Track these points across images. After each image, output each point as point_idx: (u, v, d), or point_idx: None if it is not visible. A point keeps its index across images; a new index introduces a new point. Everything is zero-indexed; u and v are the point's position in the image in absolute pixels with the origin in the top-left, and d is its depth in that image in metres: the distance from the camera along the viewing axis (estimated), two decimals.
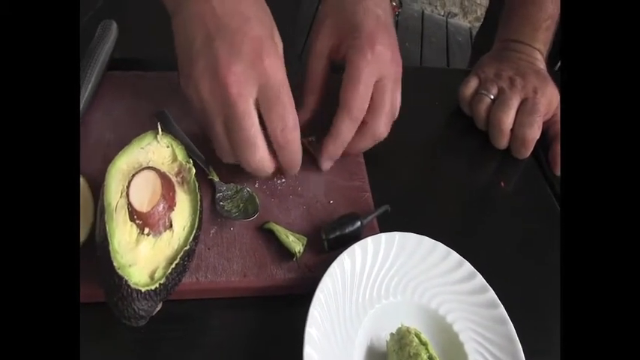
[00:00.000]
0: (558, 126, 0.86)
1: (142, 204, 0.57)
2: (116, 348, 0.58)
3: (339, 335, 0.57)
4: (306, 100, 0.75)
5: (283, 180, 0.72)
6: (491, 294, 0.61)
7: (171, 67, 0.76)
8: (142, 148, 0.64)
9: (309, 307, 0.55)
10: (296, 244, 0.63)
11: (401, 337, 0.56)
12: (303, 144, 0.66)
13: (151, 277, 0.55)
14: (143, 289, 0.52)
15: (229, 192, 0.69)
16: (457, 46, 3.53)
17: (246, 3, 0.63)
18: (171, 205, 0.59)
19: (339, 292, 0.59)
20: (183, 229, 0.59)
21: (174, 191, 0.60)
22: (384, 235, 0.63)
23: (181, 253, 0.56)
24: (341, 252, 0.61)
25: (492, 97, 0.88)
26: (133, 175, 0.59)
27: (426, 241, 0.64)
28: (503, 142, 0.86)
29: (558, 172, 0.84)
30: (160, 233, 0.58)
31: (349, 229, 0.64)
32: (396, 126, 0.74)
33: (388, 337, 0.58)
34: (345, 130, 0.69)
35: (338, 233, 0.64)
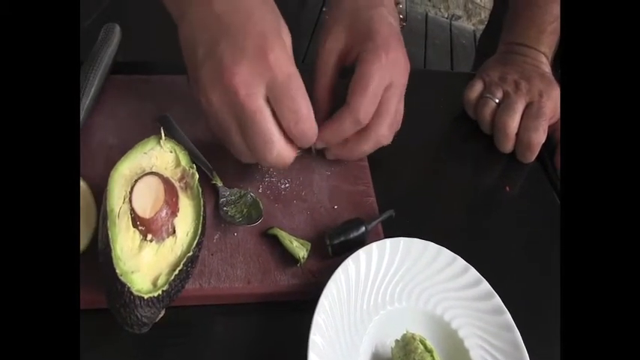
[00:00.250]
0: None
1: (144, 210, 0.57)
2: (119, 355, 0.57)
3: (343, 342, 0.56)
4: (315, 108, 0.74)
5: (287, 185, 0.72)
6: (497, 300, 0.61)
7: (175, 70, 0.77)
8: (144, 153, 0.64)
9: (314, 314, 0.55)
10: (300, 249, 0.63)
11: (406, 344, 0.55)
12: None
13: (154, 284, 0.54)
14: (146, 296, 0.52)
15: (233, 197, 0.69)
16: (461, 49, 3.52)
17: None
18: (174, 211, 0.59)
19: (344, 299, 0.58)
20: (187, 234, 0.59)
21: (177, 197, 0.60)
22: (388, 241, 0.63)
23: (184, 260, 0.56)
24: (345, 257, 0.60)
25: (497, 100, 0.87)
26: (136, 181, 0.59)
27: (431, 247, 0.64)
28: (508, 146, 0.85)
29: None
30: (163, 239, 0.57)
31: (354, 234, 0.64)
32: (401, 129, 0.73)
33: (393, 344, 0.57)
34: (345, 127, 0.69)
35: (342, 239, 0.63)
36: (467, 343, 0.59)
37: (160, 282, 0.54)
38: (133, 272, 0.53)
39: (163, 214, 0.57)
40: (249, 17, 0.60)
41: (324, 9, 3.38)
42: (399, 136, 0.74)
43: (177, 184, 0.62)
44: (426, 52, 3.42)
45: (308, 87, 0.62)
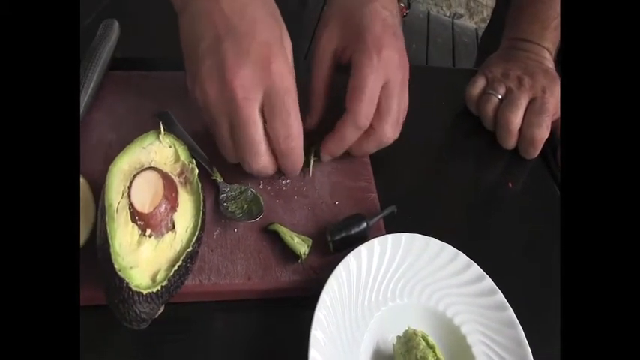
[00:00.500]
0: None
1: (143, 205, 0.57)
2: (117, 351, 0.57)
3: (344, 338, 0.56)
4: (312, 105, 0.75)
5: (288, 181, 0.71)
6: (500, 296, 0.60)
7: (175, 67, 0.76)
8: (143, 148, 0.63)
9: (315, 310, 0.54)
10: (301, 245, 0.62)
11: (408, 340, 0.55)
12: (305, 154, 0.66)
13: (153, 280, 0.54)
14: (145, 292, 0.51)
15: (233, 193, 0.68)
16: (463, 47, 3.52)
17: (254, 5, 0.62)
18: (173, 206, 0.58)
19: (345, 294, 0.58)
20: (186, 230, 0.58)
21: (176, 192, 0.60)
22: (390, 237, 0.62)
23: (184, 255, 0.55)
24: (347, 253, 0.59)
25: (500, 96, 0.86)
26: (135, 176, 0.58)
27: (433, 243, 0.63)
28: (511, 143, 0.85)
29: None
30: (162, 235, 0.57)
31: (355, 230, 0.63)
32: (402, 126, 0.73)
33: (395, 340, 0.57)
34: (348, 135, 0.69)
35: (344, 234, 0.63)
36: (469, 340, 0.58)
37: (159, 277, 0.54)
38: (131, 268, 0.53)
39: (162, 209, 0.57)
40: (255, 25, 0.60)
41: (325, 8, 3.37)
42: (400, 132, 0.73)
43: (176, 179, 0.61)
44: (428, 50, 3.42)
45: (307, 85, 0.62)
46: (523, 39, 0.94)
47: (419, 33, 3.52)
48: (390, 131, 0.71)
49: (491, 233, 0.75)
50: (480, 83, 0.90)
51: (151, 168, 0.60)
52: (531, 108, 0.83)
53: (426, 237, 0.63)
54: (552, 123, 0.83)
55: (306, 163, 0.71)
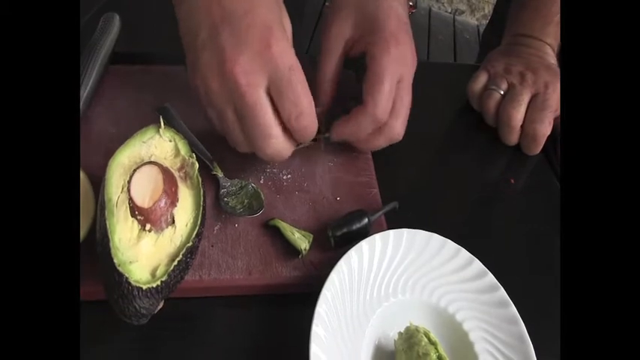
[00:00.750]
0: None
1: (143, 199, 0.56)
2: (116, 347, 0.57)
3: (346, 334, 0.55)
4: (319, 95, 0.74)
5: (289, 175, 0.71)
6: (502, 293, 0.60)
7: (175, 61, 0.76)
8: (143, 142, 0.63)
9: (316, 306, 0.54)
10: (302, 241, 0.62)
11: (409, 336, 0.54)
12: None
13: (153, 275, 0.53)
14: (144, 287, 0.51)
15: (234, 188, 0.68)
16: (464, 44, 3.51)
17: None
18: (173, 201, 0.58)
19: (346, 290, 0.57)
20: (186, 225, 0.58)
21: (176, 186, 0.59)
22: (392, 232, 0.62)
23: (184, 250, 0.55)
24: (348, 249, 0.59)
25: (502, 92, 0.86)
26: (135, 170, 0.58)
27: (435, 238, 0.63)
28: (513, 139, 0.84)
29: None
30: (162, 229, 0.56)
31: (356, 226, 0.63)
32: None
33: (396, 336, 0.56)
34: (364, 125, 0.68)
35: (345, 230, 0.62)
36: (471, 336, 0.58)
37: (159, 273, 0.53)
38: (131, 263, 0.52)
39: (162, 203, 0.56)
40: (253, 7, 0.59)
41: (327, 3, 3.37)
42: None
43: (176, 174, 0.61)
44: (429, 47, 3.41)
45: (310, 77, 0.61)
46: (525, 34, 0.93)
47: (420, 29, 3.52)
48: (401, 128, 0.70)
49: (493, 229, 0.75)
50: (482, 79, 0.90)
51: (150, 162, 0.59)
52: (533, 104, 0.83)
53: (428, 233, 0.63)
54: (554, 119, 0.83)
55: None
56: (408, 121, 0.72)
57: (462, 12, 3.74)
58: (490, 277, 0.61)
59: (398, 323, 0.57)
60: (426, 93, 0.77)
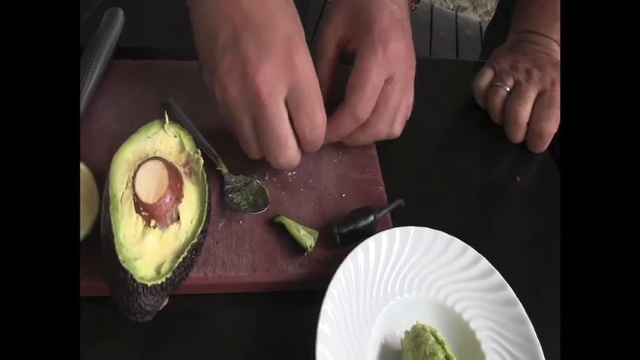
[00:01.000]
0: None
1: (148, 195, 0.56)
2: (121, 344, 0.56)
3: (352, 332, 0.55)
4: None
5: (294, 172, 0.71)
6: (509, 291, 0.59)
7: (180, 56, 0.75)
8: (148, 137, 0.62)
9: (322, 304, 0.53)
10: (307, 238, 0.61)
11: (416, 336, 0.54)
12: None
13: (158, 272, 0.53)
14: (149, 284, 0.51)
15: (238, 184, 0.67)
16: (467, 40, 3.50)
17: None
18: (178, 197, 0.57)
19: (352, 288, 0.57)
20: (191, 221, 0.57)
21: (181, 182, 0.59)
22: (398, 230, 0.61)
23: (189, 247, 0.54)
24: (354, 247, 0.58)
25: (508, 89, 0.85)
26: (139, 165, 0.57)
27: (442, 236, 0.62)
28: (519, 136, 0.84)
29: None
30: (167, 226, 0.56)
31: (362, 223, 0.62)
32: (409, 119, 0.72)
33: (403, 335, 0.56)
34: (345, 125, 0.68)
35: (351, 227, 0.62)
36: (478, 335, 0.57)
37: (164, 269, 0.53)
38: (136, 259, 0.52)
39: (167, 199, 0.56)
40: (275, 16, 0.59)
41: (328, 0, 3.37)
42: (407, 124, 0.73)
43: (181, 170, 0.60)
44: (431, 43, 3.40)
45: None
46: (532, 31, 0.93)
47: (422, 26, 3.51)
48: (385, 127, 0.70)
49: (500, 227, 0.74)
50: (487, 75, 0.89)
51: (155, 158, 0.59)
52: (540, 101, 0.82)
53: (434, 230, 0.62)
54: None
55: None
56: (413, 118, 0.72)
57: (465, 8, 3.73)
58: (497, 276, 0.60)
59: (404, 322, 0.57)
60: (430, 90, 0.76)
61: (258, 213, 0.64)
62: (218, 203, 0.66)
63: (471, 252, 0.62)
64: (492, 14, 1.56)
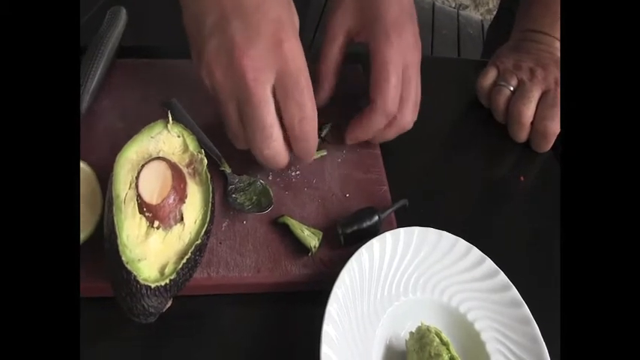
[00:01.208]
0: None
1: (151, 196, 0.55)
2: (123, 345, 0.56)
3: (356, 334, 0.55)
4: (320, 85, 0.73)
5: (298, 172, 0.70)
6: (514, 292, 0.59)
7: (182, 55, 0.75)
8: (152, 137, 0.62)
9: (327, 305, 0.53)
10: (311, 238, 0.61)
11: (421, 337, 0.54)
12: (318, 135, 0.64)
13: (161, 273, 0.53)
14: (153, 285, 0.50)
15: (242, 184, 0.67)
16: (468, 39, 3.50)
17: None
18: (182, 198, 0.57)
19: (357, 289, 0.57)
20: (195, 222, 0.57)
21: (185, 183, 0.58)
22: (402, 230, 0.61)
23: (192, 248, 0.54)
24: (358, 247, 0.58)
25: (512, 88, 0.85)
26: (143, 166, 0.57)
27: (446, 237, 0.62)
28: (522, 136, 0.83)
29: None
30: (171, 226, 0.56)
31: (366, 223, 0.62)
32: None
33: (407, 336, 0.56)
34: (376, 123, 0.68)
35: (355, 228, 0.62)
36: (483, 336, 0.57)
37: (168, 271, 0.53)
38: (139, 260, 0.52)
39: (171, 200, 0.56)
40: (265, 2, 0.57)
41: None
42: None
43: (185, 170, 0.60)
44: (433, 41, 3.40)
45: (313, 73, 0.60)
46: (535, 30, 0.92)
47: (424, 24, 3.50)
48: (411, 117, 0.70)
49: (503, 227, 0.74)
50: (491, 75, 0.89)
51: (159, 158, 0.58)
52: (544, 101, 0.82)
53: (439, 231, 0.62)
54: None
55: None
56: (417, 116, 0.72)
57: (466, 7, 3.72)
58: (502, 277, 0.60)
59: (409, 323, 0.57)
60: (432, 89, 0.76)
61: (262, 213, 0.64)
62: (221, 203, 0.65)
63: (476, 252, 0.61)
64: (494, 12, 1.56)
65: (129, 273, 0.50)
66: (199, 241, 0.55)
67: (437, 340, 0.53)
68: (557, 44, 0.90)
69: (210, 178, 0.61)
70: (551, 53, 0.88)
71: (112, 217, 0.53)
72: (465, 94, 0.92)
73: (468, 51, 3.37)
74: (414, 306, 0.59)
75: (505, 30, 1.01)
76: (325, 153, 0.70)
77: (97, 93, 0.75)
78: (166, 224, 0.55)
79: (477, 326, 0.58)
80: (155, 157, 0.59)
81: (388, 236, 0.60)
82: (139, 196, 0.55)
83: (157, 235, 0.54)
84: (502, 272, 0.60)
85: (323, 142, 0.72)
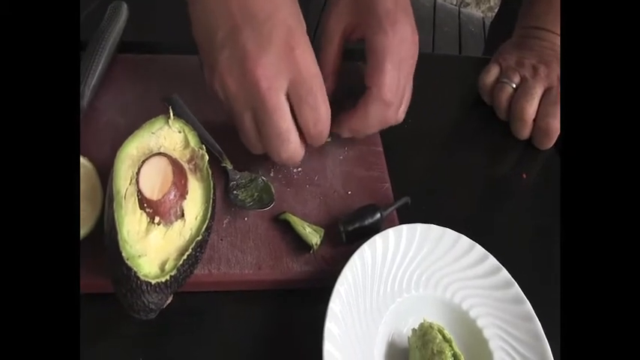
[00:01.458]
0: None
1: (152, 191, 0.55)
2: (124, 342, 0.56)
3: (359, 331, 0.54)
4: None
5: (299, 169, 0.70)
6: (517, 289, 0.59)
7: (184, 50, 0.74)
8: (152, 132, 0.61)
9: (329, 302, 0.53)
10: (313, 235, 0.61)
11: (424, 333, 0.53)
12: None
13: (162, 269, 0.52)
14: (153, 282, 0.50)
15: (243, 180, 0.67)
16: (470, 36, 3.49)
17: None
18: (182, 193, 0.57)
19: (359, 286, 0.56)
20: (196, 218, 0.57)
21: (186, 179, 0.58)
22: (405, 227, 0.61)
23: (193, 244, 0.54)
24: (360, 244, 0.58)
25: (514, 85, 0.85)
26: (143, 161, 0.57)
27: (449, 234, 0.61)
28: (525, 133, 0.83)
29: None
30: (171, 223, 0.55)
31: (368, 220, 0.62)
32: (414, 114, 0.72)
33: (410, 333, 0.55)
34: (373, 112, 0.66)
35: (357, 225, 0.61)
36: (486, 333, 0.57)
37: (168, 267, 0.52)
38: (140, 256, 0.51)
39: (172, 196, 0.55)
40: (276, 10, 0.58)
41: None
42: (412, 121, 0.72)
43: (186, 166, 0.60)
44: (434, 39, 3.39)
45: None
46: (538, 27, 0.92)
47: (425, 21, 3.50)
48: (403, 110, 0.69)
49: (505, 224, 0.74)
50: (493, 72, 0.89)
51: (159, 154, 0.58)
52: (547, 98, 0.81)
53: (442, 228, 0.62)
54: None
55: None
56: (418, 114, 0.72)
57: (468, 4, 3.71)
58: (504, 273, 0.60)
59: (411, 320, 0.57)
60: (434, 86, 0.76)
61: (263, 210, 0.64)
62: (222, 200, 0.65)
63: (478, 249, 0.61)
64: (496, 10, 1.56)
65: (129, 269, 0.49)
66: (200, 238, 0.55)
67: (439, 336, 0.52)
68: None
69: (212, 174, 0.61)
70: (554, 50, 0.88)
71: (113, 212, 0.53)
72: (467, 92, 0.92)
73: (469, 48, 3.37)
74: (417, 303, 0.58)
75: (507, 27, 1.00)
76: (330, 139, 0.70)
77: (97, 88, 0.75)
78: (167, 220, 0.55)
79: (480, 323, 0.58)
80: (156, 153, 0.58)
81: (391, 233, 0.60)
82: (139, 191, 0.55)
83: (158, 231, 0.54)
84: (504, 269, 0.60)
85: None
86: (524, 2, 0.98)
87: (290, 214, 0.63)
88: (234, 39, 0.57)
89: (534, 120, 0.82)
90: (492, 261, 0.60)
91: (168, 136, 0.62)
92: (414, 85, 0.70)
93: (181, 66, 0.81)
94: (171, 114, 0.63)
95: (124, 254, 0.50)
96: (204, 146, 0.63)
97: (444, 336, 0.53)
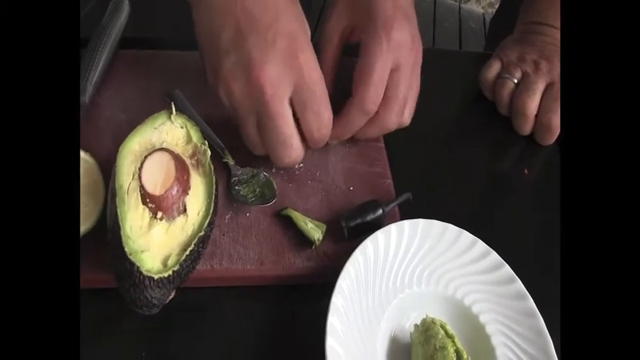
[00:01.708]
0: None
1: (154, 187, 0.55)
2: (127, 337, 0.56)
3: (361, 326, 0.54)
4: None
5: (301, 165, 0.70)
6: (519, 285, 0.59)
7: (185, 46, 0.74)
8: (155, 128, 0.61)
9: (331, 297, 0.53)
10: (315, 231, 0.61)
11: (426, 329, 0.53)
12: None
13: (164, 264, 0.52)
14: (156, 277, 0.50)
15: (245, 176, 0.67)
16: (470, 32, 3.49)
17: None
18: (185, 189, 0.57)
19: (362, 281, 0.56)
20: (198, 213, 0.57)
21: (188, 174, 0.58)
22: (407, 222, 0.61)
23: (196, 239, 0.54)
24: (362, 240, 0.58)
25: (516, 81, 0.85)
26: (146, 157, 0.57)
27: (451, 229, 0.61)
28: (526, 128, 0.83)
29: None
30: (174, 218, 0.55)
31: (370, 216, 0.62)
32: (415, 111, 0.72)
33: (412, 329, 0.55)
34: (354, 120, 0.67)
35: (359, 221, 0.61)
36: (488, 329, 0.57)
37: (171, 262, 0.52)
38: (142, 251, 0.51)
39: (174, 191, 0.55)
40: (279, 16, 0.58)
41: None
42: (413, 117, 0.72)
43: (188, 161, 0.60)
44: (435, 35, 3.39)
45: None
46: (540, 22, 0.91)
47: (425, 17, 3.49)
48: (395, 118, 0.68)
49: (507, 220, 0.74)
50: (495, 67, 0.89)
51: (162, 149, 0.58)
52: (548, 93, 0.81)
53: (444, 223, 0.62)
54: None
55: None
56: (419, 110, 0.71)
57: (468, 0, 3.71)
58: (507, 269, 0.60)
59: (414, 315, 0.57)
60: (435, 81, 0.75)
61: (265, 205, 0.64)
62: (225, 195, 0.65)
63: (481, 245, 0.61)
64: (496, 6, 1.56)
65: (132, 264, 0.49)
66: (202, 233, 0.55)
67: (442, 332, 0.52)
68: None
69: (214, 169, 0.61)
70: (556, 46, 0.88)
71: (115, 208, 0.53)
72: (468, 87, 0.92)
73: (469, 44, 3.37)
74: (419, 298, 0.58)
75: (508, 23, 1.00)
76: (336, 142, 0.70)
77: (99, 84, 0.75)
78: (169, 215, 0.55)
79: (482, 319, 0.58)
80: (158, 148, 0.58)
81: (393, 228, 0.60)
82: (142, 187, 0.55)
83: (160, 227, 0.54)
84: (507, 265, 0.60)
85: None
86: None
87: (292, 210, 0.63)
88: (239, 45, 0.57)
89: (536, 115, 0.82)
90: (494, 257, 0.60)
91: (171, 132, 0.62)
92: None
93: (183, 62, 0.81)
94: (174, 109, 0.63)
95: (126, 249, 0.50)
96: (206, 142, 0.63)
97: (446, 332, 0.53)
